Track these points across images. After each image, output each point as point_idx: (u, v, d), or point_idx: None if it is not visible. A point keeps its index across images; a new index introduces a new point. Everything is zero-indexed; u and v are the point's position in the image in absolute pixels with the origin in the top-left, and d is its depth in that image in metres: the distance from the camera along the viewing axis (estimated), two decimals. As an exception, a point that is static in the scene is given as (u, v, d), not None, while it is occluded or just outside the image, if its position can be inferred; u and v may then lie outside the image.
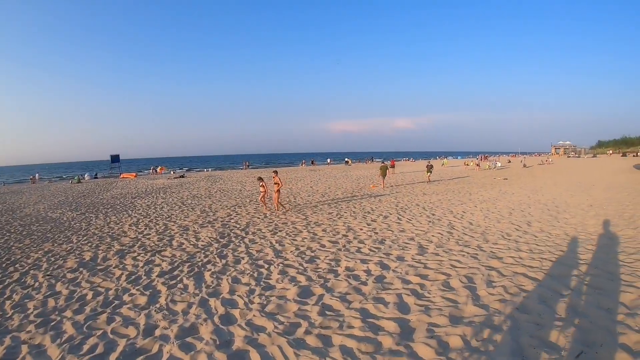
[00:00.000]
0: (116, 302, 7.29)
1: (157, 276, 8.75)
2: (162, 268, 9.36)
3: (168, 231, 13.95)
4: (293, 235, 12.45)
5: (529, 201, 18.73)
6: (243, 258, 9.98)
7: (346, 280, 7.92)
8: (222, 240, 12.23)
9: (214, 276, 8.61)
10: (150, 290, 7.83)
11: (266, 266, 9.18)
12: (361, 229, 13.05)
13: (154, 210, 19.52)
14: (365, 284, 7.69)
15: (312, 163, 79.55)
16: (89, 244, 12.20)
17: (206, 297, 7.39)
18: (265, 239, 12.07)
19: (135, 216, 17.90)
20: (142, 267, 9.52)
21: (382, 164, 30.78)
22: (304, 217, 16.00)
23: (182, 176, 50.65)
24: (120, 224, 15.99)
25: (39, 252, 11.46)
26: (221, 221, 15.64)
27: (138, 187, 35.62)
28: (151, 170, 67.33)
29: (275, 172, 18.82)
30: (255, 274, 8.58)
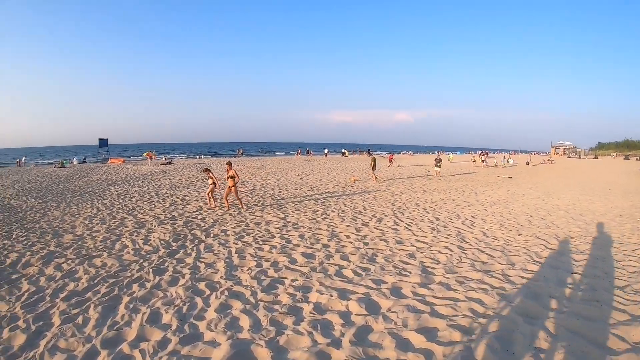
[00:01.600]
0: (-14, 341, 5.11)
1: (63, 299, 6.50)
2: (78, 285, 7.12)
3: (120, 228, 11.77)
4: (261, 242, 9.93)
5: (546, 206, 15.97)
6: (184, 276, 7.49)
7: (310, 333, 5.21)
8: (173, 244, 9.86)
9: (131, 306, 6.17)
10: (41, 323, 5.63)
11: (207, 292, 6.65)
12: (348, 237, 10.46)
13: (121, 201, 17.40)
14: (337, 343, 4.93)
15: (308, 153, 76.51)
16: (26, 241, 10.37)
17: (98, 347, 4.95)
18: (224, 246, 9.61)
19: (98, 207, 15.84)
20: (57, 280, 7.40)
21: (372, 157, 28.13)
22: (283, 215, 13.50)
23: (170, 163, 48.30)
24: (77, 216, 13.91)
25: (-36, 250, 9.60)
26: (187, 217, 13.32)
27: (120, 173, 33.25)
28: (147, 156, 64.67)
29: (229, 163, 15.80)
30: (185, 308, 6.04)
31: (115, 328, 5.41)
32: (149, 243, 9.97)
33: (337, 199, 17.55)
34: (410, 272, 7.54)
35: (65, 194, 20.35)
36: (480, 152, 68.82)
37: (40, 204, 17.02)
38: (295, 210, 14.41)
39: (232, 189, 14.66)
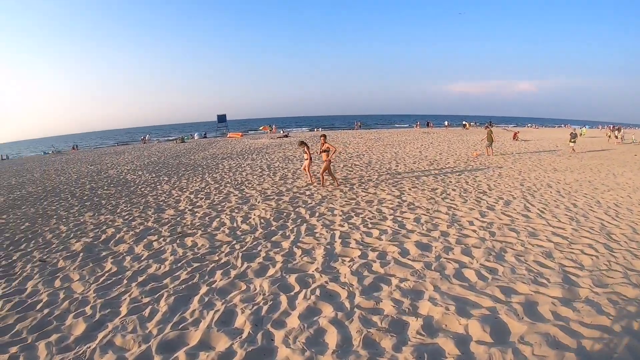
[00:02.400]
0: (48, 327, 4.95)
1: (139, 284, 6.12)
2: (160, 268, 6.76)
3: (223, 204, 11.54)
4: (370, 226, 8.74)
5: None
6: (275, 264, 6.61)
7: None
8: (274, 223, 9.17)
9: (206, 299, 5.45)
10: (107, 311, 5.27)
11: (295, 289, 5.66)
12: (470, 224, 8.87)
13: (231, 174, 17.52)
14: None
15: (428, 125, 73.12)
16: (127, 216, 10.68)
17: (153, 350, 4.31)
18: (328, 229, 8.62)
19: (207, 180, 16.10)
20: (142, 261, 7.20)
21: (488, 129, 25.93)
22: (399, 193, 12.19)
23: (286, 136, 49.34)
24: (184, 190, 14.15)
25: (70, 224, 10.19)
26: (294, 192, 12.71)
27: (236, 147, 34.34)
28: (264, 129, 66.63)
29: (324, 136, 14.66)
30: (265, 308, 5.07)
31: (180, 327, 4.72)
32: (247, 221, 9.43)
33: (458, 175, 15.90)
34: (548, 280, 5.80)
35: (179, 168, 21.14)
36: (612, 126, 60.72)
37: (153, 178, 17.75)
38: (412, 188, 13.08)
39: (325, 163, 13.65)
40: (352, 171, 16.98)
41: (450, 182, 14.29)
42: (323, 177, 13.90)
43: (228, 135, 55.89)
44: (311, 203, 11.07)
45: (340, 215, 9.65)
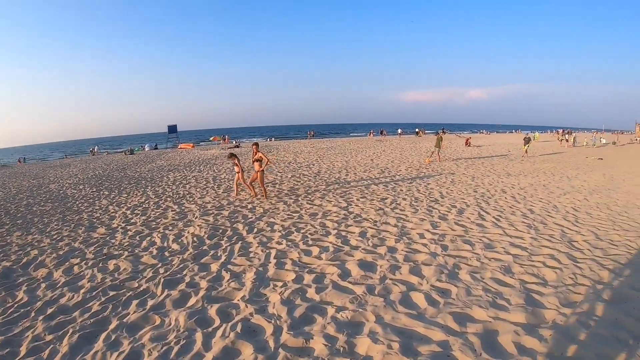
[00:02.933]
0: None
1: (46, 317, 5.38)
2: (73, 298, 6.03)
3: (159, 220, 10.87)
4: (310, 243, 8.17)
5: (657, 195, 12.76)
6: (198, 292, 5.92)
7: None
8: (207, 242, 8.54)
9: (113, 337, 4.74)
10: (6, 351, 4.59)
11: (215, 323, 4.96)
12: (421, 236, 8.42)
13: (174, 188, 16.76)
14: None
15: (381, 133, 73.78)
16: (56, 236, 9.85)
17: None
18: (264, 247, 8.02)
19: (148, 194, 15.30)
20: (56, 289, 6.43)
21: (439, 135, 26.86)
22: (346, 204, 11.75)
23: (238, 146, 48.86)
24: (122, 205, 13.33)
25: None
26: (236, 206, 12.12)
27: (185, 158, 33.51)
28: (214, 139, 66.05)
29: (256, 145, 14.17)
30: (175, 350, 4.36)
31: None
32: (179, 240, 8.77)
33: (410, 183, 15.69)
34: (508, 301, 5.24)
35: (122, 181, 20.22)
36: (562, 130, 63.71)
37: (93, 192, 16.83)
38: (361, 198, 12.68)
39: (258, 174, 13.07)
40: (299, 181, 16.56)
41: (401, 190, 14.02)
42: (252, 186, 13.43)
43: (179, 147, 55.00)
44: (251, 218, 10.49)
45: (279, 231, 9.10)
